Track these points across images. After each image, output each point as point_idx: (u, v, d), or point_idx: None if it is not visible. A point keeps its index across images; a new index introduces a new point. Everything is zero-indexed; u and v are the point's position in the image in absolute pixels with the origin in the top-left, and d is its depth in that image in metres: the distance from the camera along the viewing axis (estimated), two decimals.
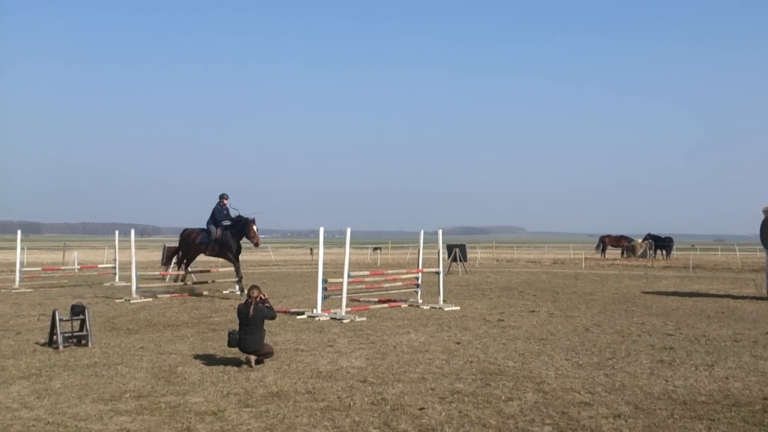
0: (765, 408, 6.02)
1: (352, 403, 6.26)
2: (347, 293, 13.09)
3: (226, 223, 17.28)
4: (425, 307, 14.28)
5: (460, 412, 5.97)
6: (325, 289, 13.02)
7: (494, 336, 10.36)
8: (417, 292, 15.17)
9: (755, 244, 17.92)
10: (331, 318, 12.34)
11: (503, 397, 6.47)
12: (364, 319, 12.28)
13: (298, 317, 12.55)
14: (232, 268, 17.73)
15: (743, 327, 11.52)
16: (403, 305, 14.61)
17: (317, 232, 14.04)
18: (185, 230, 18.67)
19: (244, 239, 17.31)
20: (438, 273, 15.33)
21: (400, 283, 15.36)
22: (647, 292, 18.66)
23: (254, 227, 16.75)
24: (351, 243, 13.54)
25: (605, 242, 47.33)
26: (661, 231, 48.46)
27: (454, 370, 7.75)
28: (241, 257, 17.85)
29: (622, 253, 45.82)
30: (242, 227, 16.91)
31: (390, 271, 16.13)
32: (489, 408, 6.09)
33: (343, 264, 13.24)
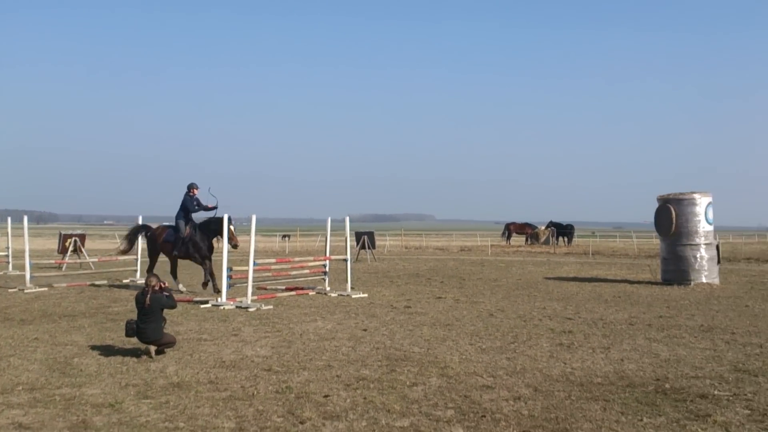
0: (657, 389, 6.29)
1: (255, 392, 6.12)
2: (253, 281, 12.87)
3: (202, 216, 15.09)
4: (333, 295, 14.22)
5: (365, 398, 5.94)
6: (230, 277, 12.74)
7: (401, 322, 10.41)
8: (324, 280, 15.08)
9: (651, 231, 18.90)
10: (237, 307, 12.09)
11: (408, 383, 6.50)
12: (271, 307, 12.09)
13: (202, 306, 12.23)
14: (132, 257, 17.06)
15: (638, 311, 12.05)
16: (311, 293, 14.50)
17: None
18: (146, 228, 16.00)
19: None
20: (346, 260, 15.28)
21: (307, 271, 15.24)
22: (549, 278, 19.28)
23: (231, 227, 14.22)
24: (259, 230, 13.30)
25: (510, 229, 48.71)
26: (563, 219, 50.21)
27: (360, 357, 7.73)
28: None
29: (526, 240, 47.25)
30: (217, 226, 14.39)
31: (297, 259, 15.97)
32: (394, 393, 6.10)
33: (249, 251, 13.00)
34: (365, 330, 9.67)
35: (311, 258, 17.00)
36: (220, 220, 14.09)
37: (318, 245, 42.87)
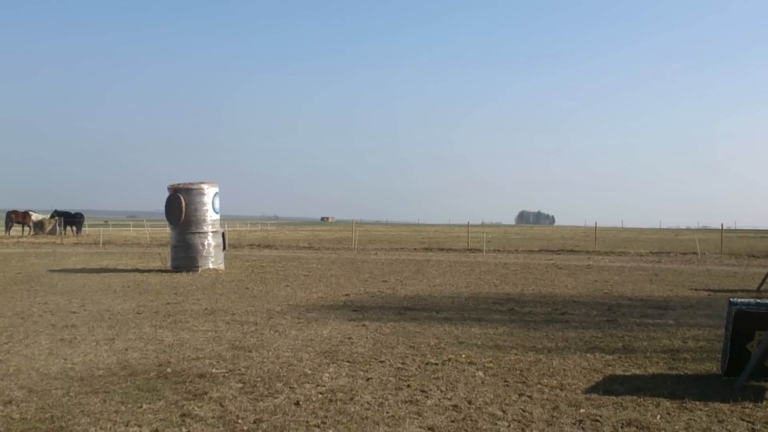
0: (159, 374, 6.35)
1: None
2: None
3: None
4: None
5: None
6: None
7: None
8: None
9: (164, 219, 19.16)
10: None
11: None
12: None
13: None
14: None
15: (147, 299, 12.07)
16: None
17: None
18: None
19: None
20: None
21: None
22: (54, 270, 17.97)
23: None
24: None
25: (12, 218, 43.98)
26: (73, 207, 47.59)
27: None
28: None
29: (29, 230, 43.36)
30: None
31: None
32: None
33: None
34: None
35: None
36: None
37: None
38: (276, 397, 5.59)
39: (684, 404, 5.50)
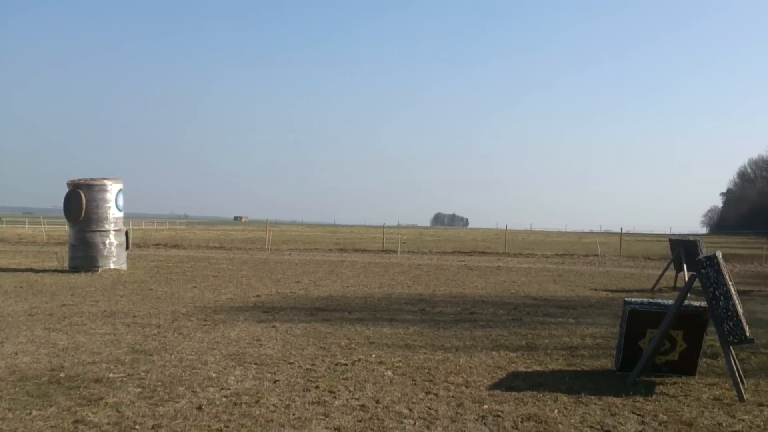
0: (51, 379, 6.04)
1: None
2: None
3: None
4: None
5: None
6: None
7: None
8: None
9: (62, 216, 18.26)
10: None
11: None
12: None
13: None
14: None
15: (41, 300, 11.49)
16: None
17: None
18: None
19: None
20: None
21: None
22: None
23: None
24: None
25: None
26: None
27: None
28: None
29: None
30: None
31: None
32: None
33: None
34: None
35: None
36: None
37: None
38: (177, 402, 5.42)
39: (580, 399, 5.70)
